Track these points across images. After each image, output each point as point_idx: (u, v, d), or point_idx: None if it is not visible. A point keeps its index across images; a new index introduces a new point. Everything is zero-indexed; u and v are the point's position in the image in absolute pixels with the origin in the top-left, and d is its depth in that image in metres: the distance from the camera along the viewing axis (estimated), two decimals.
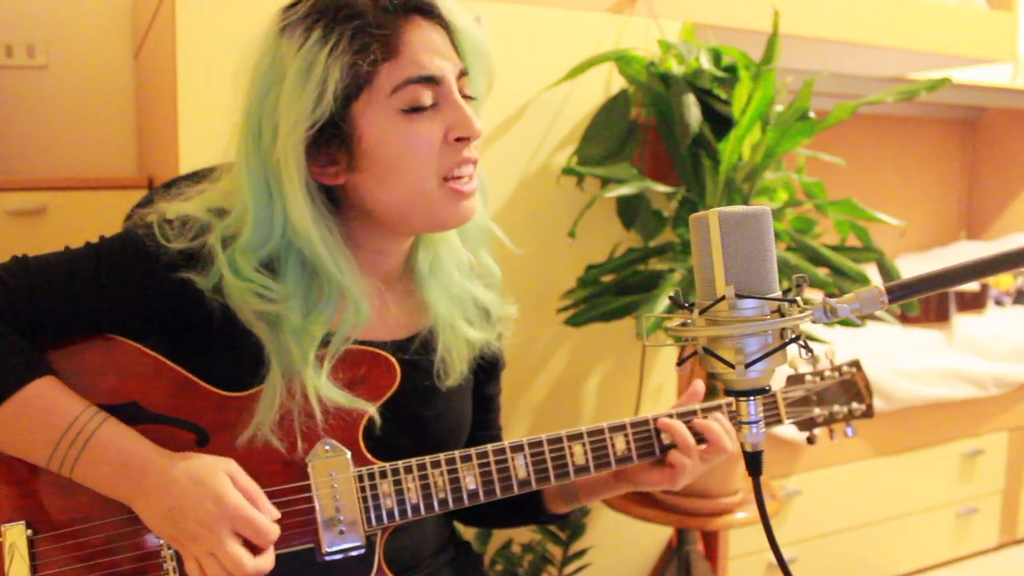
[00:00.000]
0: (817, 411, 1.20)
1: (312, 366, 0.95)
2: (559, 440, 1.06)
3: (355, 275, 0.98)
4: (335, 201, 0.99)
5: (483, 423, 1.20)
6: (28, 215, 2.07)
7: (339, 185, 0.97)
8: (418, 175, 0.95)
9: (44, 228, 2.07)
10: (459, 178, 0.98)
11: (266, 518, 0.90)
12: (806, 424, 1.20)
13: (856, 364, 1.24)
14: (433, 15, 0.96)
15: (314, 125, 0.91)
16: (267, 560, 0.90)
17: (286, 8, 0.95)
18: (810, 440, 1.20)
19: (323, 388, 0.95)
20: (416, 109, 0.94)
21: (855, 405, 1.22)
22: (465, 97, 0.99)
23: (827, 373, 1.21)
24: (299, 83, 0.90)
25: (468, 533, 1.79)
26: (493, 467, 1.03)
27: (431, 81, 0.94)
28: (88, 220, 2.08)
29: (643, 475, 1.11)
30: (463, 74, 0.98)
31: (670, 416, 1.11)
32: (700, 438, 1.10)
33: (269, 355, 0.95)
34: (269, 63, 0.93)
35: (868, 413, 1.22)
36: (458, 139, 0.96)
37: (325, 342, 0.97)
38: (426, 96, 0.94)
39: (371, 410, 0.98)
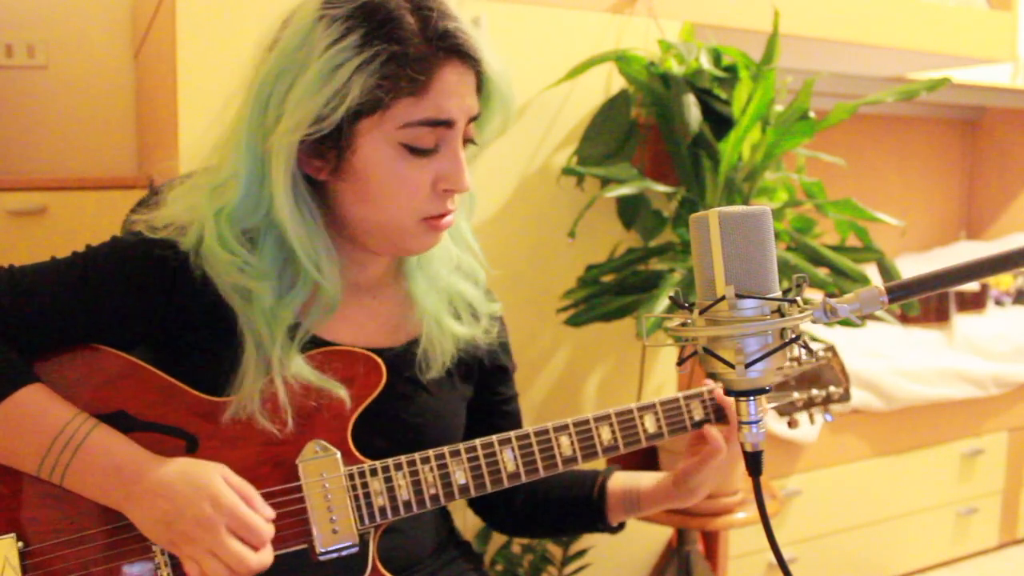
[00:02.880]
0: (796, 395, 1.21)
1: (280, 346, 0.95)
2: (545, 432, 1.06)
3: (332, 269, 0.98)
4: (320, 195, 0.98)
5: (498, 429, 1.18)
6: (28, 215, 2.07)
7: (320, 181, 0.97)
8: (396, 211, 0.95)
9: (44, 228, 2.07)
10: (438, 219, 0.98)
11: (260, 518, 0.91)
12: (786, 408, 1.21)
13: (831, 349, 1.25)
14: (471, 61, 0.94)
15: (316, 132, 0.90)
16: (267, 556, 0.90)
17: None
18: (791, 424, 1.21)
19: (292, 366, 0.95)
20: (415, 151, 0.93)
21: (832, 389, 1.23)
22: (467, 141, 0.98)
23: (803, 358, 1.22)
24: (317, 84, 0.89)
25: (468, 533, 1.79)
26: (482, 461, 1.03)
27: (442, 124, 0.93)
28: (88, 220, 2.08)
29: (696, 467, 1.11)
30: (474, 119, 0.97)
31: (652, 405, 1.11)
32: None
33: (242, 330, 0.95)
34: (297, 44, 0.90)
35: (846, 396, 1.24)
36: (445, 190, 0.96)
37: (295, 329, 0.97)
38: (430, 139, 0.94)
39: (341, 393, 0.98)
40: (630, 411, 1.10)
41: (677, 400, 1.12)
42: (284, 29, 0.93)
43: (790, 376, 1.22)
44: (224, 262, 0.94)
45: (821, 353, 1.24)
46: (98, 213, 2.08)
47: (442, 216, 0.98)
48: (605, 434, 1.08)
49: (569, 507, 1.18)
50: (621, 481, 1.18)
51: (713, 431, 1.10)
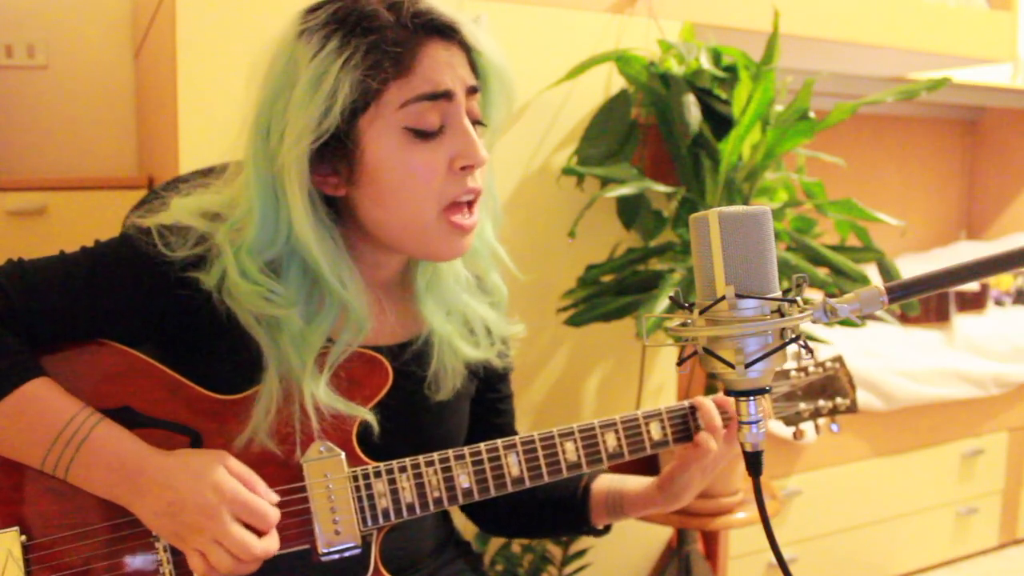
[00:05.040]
0: (802, 406, 1.21)
1: (310, 373, 0.95)
2: (551, 437, 1.06)
3: (357, 287, 0.98)
4: (337, 211, 0.98)
5: (496, 428, 1.19)
6: (28, 215, 2.07)
7: (339, 196, 0.97)
8: (416, 203, 0.94)
9: (44, 228, 2.08)
10: (459, 210, 0.96)
11: (265, 501, 0.91)
12: (792, 419, 1.21)
13: (839, 360, 1.25)
14: (454, 38, 0.95)
15: (319, 138, 0.91)
16: (272, 541, 0.91)
17: (307, 11, 0.93)
18: (796, 436, 1.21)
19: (321, 395, 0.95)
20: (421, 134, 0.93)
21: (839, 400, 1.23)
22: (475, 123, 0.98)
23: (811, 369, 1.22)
24: (309, 92, 0.89)
25: (468, 533, 1.79)
26: (487, 465, 1.03)
27: (440, 97, 0.93)
28: (88, 220, 2.08)
29: (680, 469, 1.11)
30: (473, 91, 0.97)
31: (659, 412, 1.11)
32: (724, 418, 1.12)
33: (267, 358, 0.94)
34: (283, 65, 0.92)
35: (852, 408, 1.24)
36: (462, 168, 0.95)
37: (324, 350, 0.97)
38: (433, 117, 0.93)
39: (368, 416, 0.98)
40: (635, 418, 1.10)
41: (683, 408, 1.12)
42: (270, 60, 0.94)
43: (797, 387, 1.21)
44: (249, 294, 0.93)
45: (829, 364, 1.24)
46: (98, 213, 2.08)
47: (460, 210, 0.96)
48: (610, 441, 1.08)
49: (553, 507, 1.18)
50: (605, 483, 1.17)
51: (703, 435, 1.09)
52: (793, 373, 1.22)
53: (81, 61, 2.45)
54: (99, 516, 0.92)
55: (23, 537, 0.89)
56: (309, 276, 0.96)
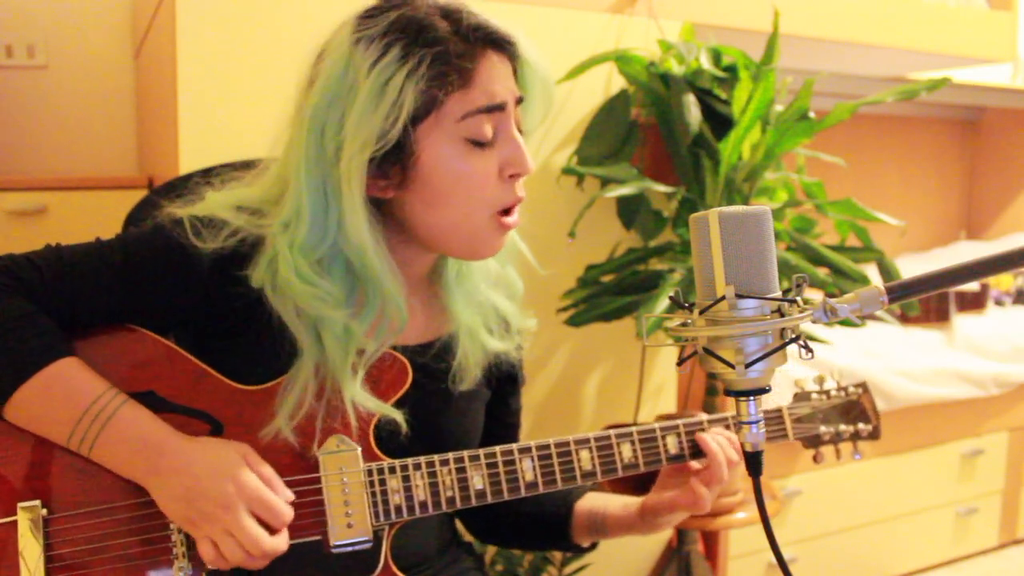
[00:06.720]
0: (823, 429, 1.20)
1: (350, 373, 0.96)
2: (566, 444, 1.06)
3: (400, 286, 0.99)
4: (379, 211, 0.99)
5: (502, 439, 1.19)
6: (28, 215, 2.07)
7: (386, 199, 0.98)
8: (470, 208, 0.97)
9: (44, 228, 2.07)
10: (508, 212, 1.00)
11: (281, 500, 0.92)
12: (812, 441, 1.20)
13: (863, 386, 1.24)
14: (506, 50, 0.97)
15: (382, 147, 0.92)
16: (282, 540, 0.92)
17: (363, 17, 0.94)
18: (815, 459, 1.20)
19: (358, 395, 0.97)
20: (477, 144, 0.95)
21: (861, 426, 1.22)
22: (519, 131, 1.00)
23: (833, 392, 1.22)
24: (372, 101, 0.91)
25: (469, 534, 1.79)
26: (501, 468, 1.03)
27: (496, 109, 0.96)
28: (88, 220, 2.08)
29: (667, 508, 1.11)
30: (519, 101, 1.00)
31: (676, 426, 1.11)
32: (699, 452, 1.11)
33: (302, 353, 0.96)
34: (341, 71, 0.93)
35: (875, 434, 1.23)
36: (511, 175, 0.98)
37: (360, 355, 0.98)
38: (488, 128, 0.95)
39: (398, 417, 0.99)
40: (652, 430, 1.10)
41: (700, 422, 1.12)
42: (320, 63, 0.95)
43: (818, 409, 1.21)
44: (303, 294, 0.94)
45: (852, 389, 1.23)
46: (98, 213, 2.08)
47: (510, 210, 1.00)
48: (626, 452, 1.09)
49: (537, 522, 1.19)
50: (588, 503, 1.18)
51: (704, 491, 1.08)
52: (815, 396, 1.21)
53: (81, 61, 2.45)
54: (118, 495, 0.93)
55: (44, 511, 0.91)
56: (351, 274, 0.98)
